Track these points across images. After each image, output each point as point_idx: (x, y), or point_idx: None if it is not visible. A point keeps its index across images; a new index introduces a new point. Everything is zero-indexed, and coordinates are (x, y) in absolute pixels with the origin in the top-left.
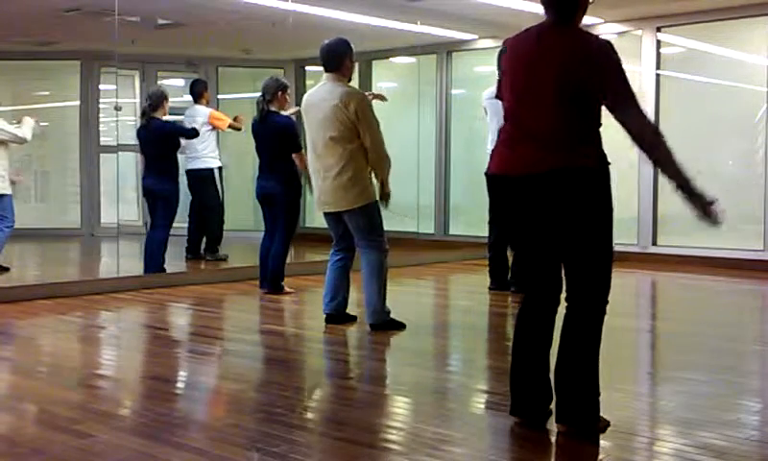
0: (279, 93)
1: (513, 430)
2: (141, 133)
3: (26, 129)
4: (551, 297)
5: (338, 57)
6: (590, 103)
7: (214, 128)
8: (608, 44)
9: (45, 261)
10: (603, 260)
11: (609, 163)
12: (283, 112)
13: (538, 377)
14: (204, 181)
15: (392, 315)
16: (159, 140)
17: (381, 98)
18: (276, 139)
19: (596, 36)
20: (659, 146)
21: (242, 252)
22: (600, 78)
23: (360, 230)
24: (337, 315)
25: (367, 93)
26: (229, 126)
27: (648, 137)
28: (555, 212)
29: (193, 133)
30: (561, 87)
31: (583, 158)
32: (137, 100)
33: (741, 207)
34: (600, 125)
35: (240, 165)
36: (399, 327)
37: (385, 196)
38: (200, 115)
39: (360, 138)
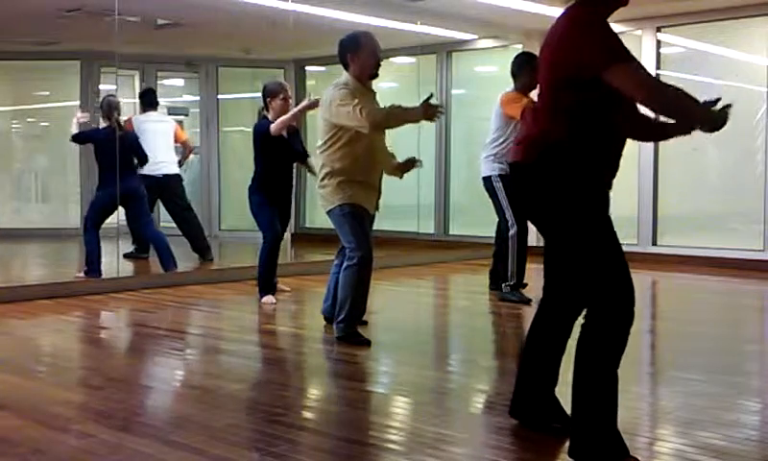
0: (268, 100)
1: (513, 430)
2: (114, 141)
3: None
4: (563, 302)
5: (340, 55)
6: (567, 92)
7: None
8: (577, 15)
9: (45, 261)
10: (581, 261)
11: (565, 160)
12: (269, 116)
13: (537, 382)
14: (179, 184)
15: (374, 320)
16: (132, 150)
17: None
18: (254, 144)
19: (579, 11)
20: (666, 100)
21: (242, 252)
22: (574, 56)
23: (339, 234)
24: (332, 318)
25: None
26: (185, 142)
27: (647, 102)
28: (525, 206)
29: (146, 160)
30: (543, 79)
31: (523, 154)
32: (137, 100)
33: (741, 207)
34: (580, 121)
35: (240, 167)
36: (363, 343)
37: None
38: (169, 122)
39: (341, 142)
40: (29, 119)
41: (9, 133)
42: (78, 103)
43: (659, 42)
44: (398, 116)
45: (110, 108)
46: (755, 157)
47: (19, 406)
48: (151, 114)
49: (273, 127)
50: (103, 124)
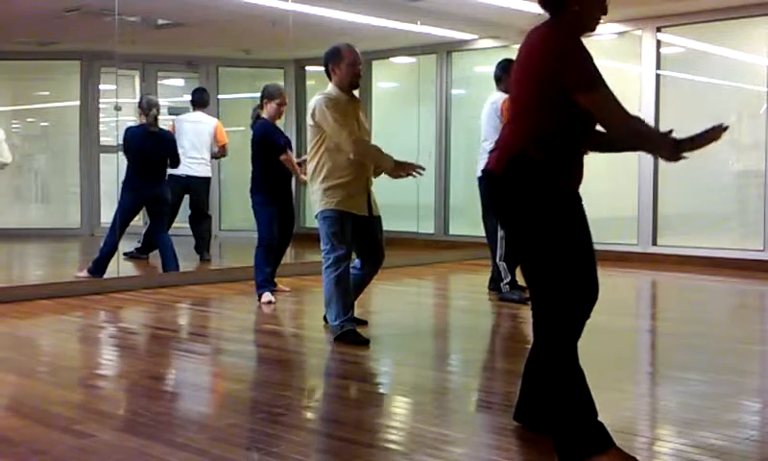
0: (264, 101)
1: (513, 430)
2: (148, 140)
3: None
4: None
5: (324, 66)
6: (537, 106)
7: (215, 138)
8: (557, 36)
9: (45, 261)
10: (536, 275)
11: (534, 170)
12: (263, 114)
13: (541, 386)
14: (205, 188)
15: (374, 320)
16: (167, 150)
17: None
18: (253, 145)
19: (559, 33)
20: (628, 131)
21: (242, 252)
22: (549, 76)
23: (320, 236)
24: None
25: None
26: (224, 147)
27: (615, 133)
28: (497, 214)
29: (177, 163)
30: (515, 91)
31: (495, 163)
32: (137, 100)
33: (741, 207)
34: (549, 131)
35: (240, 167)
36: (358, 342)
37: (392, 172)
38: (206, 123)
39: (323, 147)
40: (29, 119)
41: (9, 133)
42: (78, 103)
43: (659, 42)
44: (376, 157)
45: (150, 105)
46: (755, 157)
47: (19, 406)
48: (191, 114)
49: (284, 158)
50: (138, 122)
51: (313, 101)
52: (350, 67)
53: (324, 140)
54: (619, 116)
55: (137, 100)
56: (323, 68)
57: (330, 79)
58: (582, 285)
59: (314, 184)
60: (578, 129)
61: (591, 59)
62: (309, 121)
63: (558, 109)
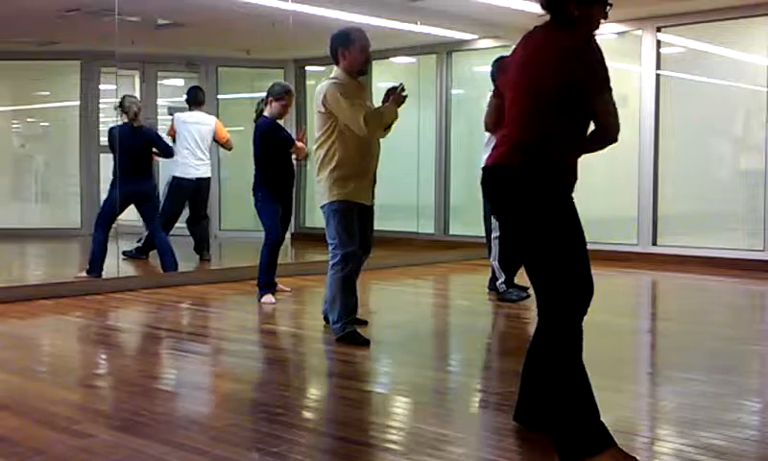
0: (269, 99)
1: (513, 430)
2: (130, 137)
3: None
4: None
5: (331, 50)
6: (550, 105)
7: (215, 139)
8: (581, 43)
9: (45, 261)
10: (542, 270)
11: (548, 165)
12: (266, 112)
13: (540, 387)
14: (208, 188)
15: (374, 320)
16: (149, 146)
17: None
18: (255, 141)
19: (573, 36)
20: (610, 141)
21: (242, 252)
22: (566, 77)
23: (325, 229)
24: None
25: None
26: (227, 141)
27: (609, 139)
28: (497, 210)
29: (170, 153)
30: (524, 88)
31: (508, 157)
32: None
33: (741, 207)
34: (560, 131)
35: (240, 167)
36: (359, 342)
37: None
38: (207, 124)
39: (334, 135)
40: (29, 119)
41: (9, 132)
42: (78, 103)
43: (659, 42)
44: (387, 118)
45: (130, 102)
46: (755, 157)
47: (19, 406)
48: (191, 114)
49: (293, 150)
50: (120, 121)
51: (322, 87)
52: (362, 53)
53: (335, 128)
54: (617, 121)
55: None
56: (323, 68)
57: (338, 63)
58: (583, 279)
59: (322, 173)
60: (581, 130)
61: (604, 59)
62: (320, 108)
63: (568, 111)
